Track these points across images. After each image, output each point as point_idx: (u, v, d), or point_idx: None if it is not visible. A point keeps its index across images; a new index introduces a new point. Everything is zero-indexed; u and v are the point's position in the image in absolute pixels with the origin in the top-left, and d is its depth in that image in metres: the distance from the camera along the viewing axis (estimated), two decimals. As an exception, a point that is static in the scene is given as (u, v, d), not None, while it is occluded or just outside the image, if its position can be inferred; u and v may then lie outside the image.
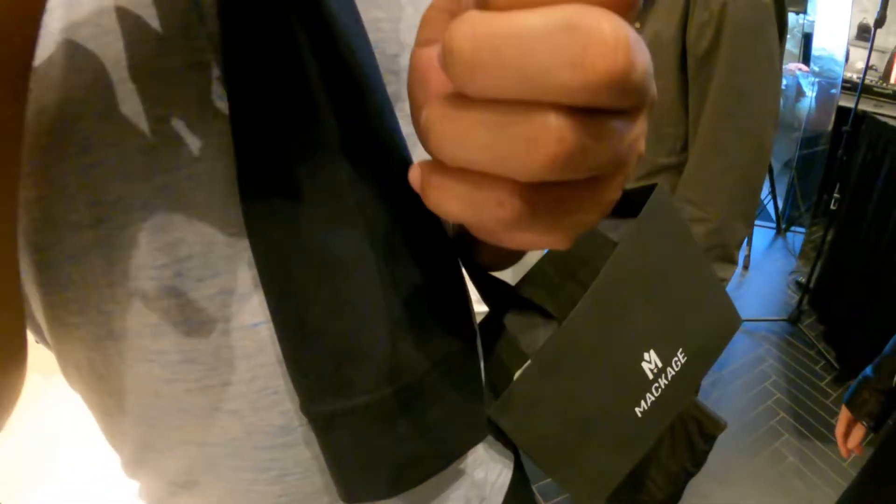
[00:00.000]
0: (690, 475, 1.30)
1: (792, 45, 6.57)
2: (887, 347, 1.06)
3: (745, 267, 3.57)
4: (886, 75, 4.46)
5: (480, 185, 0.19)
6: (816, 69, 4.48)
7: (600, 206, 0.21)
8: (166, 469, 0.43)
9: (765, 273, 3.56)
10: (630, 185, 0.43)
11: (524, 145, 0.17)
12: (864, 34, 4.62)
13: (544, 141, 0.16)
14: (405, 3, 0.43)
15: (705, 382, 2.63)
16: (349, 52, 0.35)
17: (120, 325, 0.36)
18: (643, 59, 0.17)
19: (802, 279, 3.18)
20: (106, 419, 0.43)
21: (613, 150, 0.18)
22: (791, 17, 4.23)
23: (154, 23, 0.33)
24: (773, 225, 4.08)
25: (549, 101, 0.16)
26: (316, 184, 0.35)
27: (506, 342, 0.49)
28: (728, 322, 0.54)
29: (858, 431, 1.06)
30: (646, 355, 0.44)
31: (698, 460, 1.31)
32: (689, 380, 0.48)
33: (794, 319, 3.05)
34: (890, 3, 2.74)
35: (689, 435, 1.20)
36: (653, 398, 0.45)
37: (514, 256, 0.53)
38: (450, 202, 0.20)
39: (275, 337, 0.37)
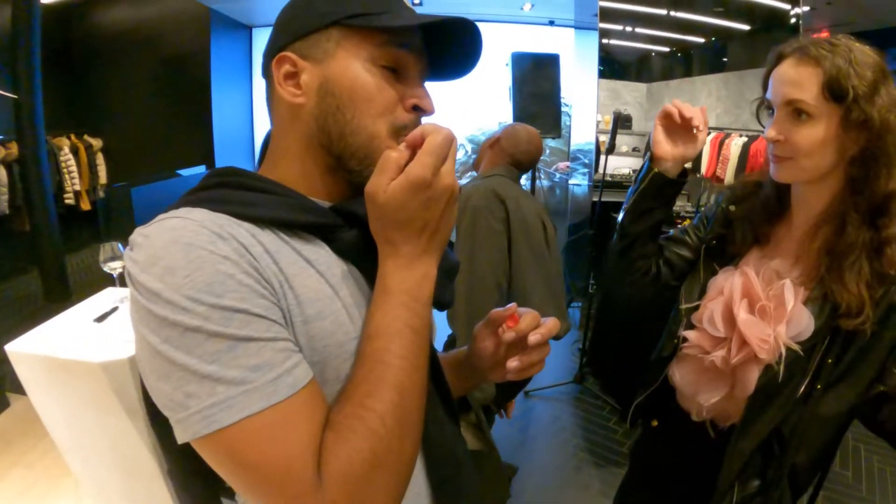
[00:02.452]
0: None
1: (561, 143, 7.88)
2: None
3: (537, 341, 4.29)
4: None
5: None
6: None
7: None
8: None
9: (553, 345, 4.29)
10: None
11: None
12: (626, 123, 5.68)
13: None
14: None
15: (516, 443, 3.24)
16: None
17: None
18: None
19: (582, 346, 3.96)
20: None
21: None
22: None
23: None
24: (557, 303, 4.90)
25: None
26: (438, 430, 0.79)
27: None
28: None
29: None
30: None
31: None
32: None
33: (578, 380, 3.79)
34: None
35: None
36: None
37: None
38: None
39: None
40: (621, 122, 5.45)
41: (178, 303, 0.55)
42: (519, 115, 4.40)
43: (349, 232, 0.72)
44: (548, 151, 8.67)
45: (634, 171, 5.50)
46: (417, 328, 0.67)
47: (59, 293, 4.49)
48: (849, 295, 1.03)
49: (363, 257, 0.73)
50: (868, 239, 1.05)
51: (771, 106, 1.12)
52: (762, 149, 3.69)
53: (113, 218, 6.72)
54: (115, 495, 2.07)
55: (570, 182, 5.97)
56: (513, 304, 0.83)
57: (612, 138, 3.69)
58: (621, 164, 5.63)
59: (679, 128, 1.21)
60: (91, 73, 6.42)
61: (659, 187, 1.25)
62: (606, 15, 4.36)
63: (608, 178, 4.83)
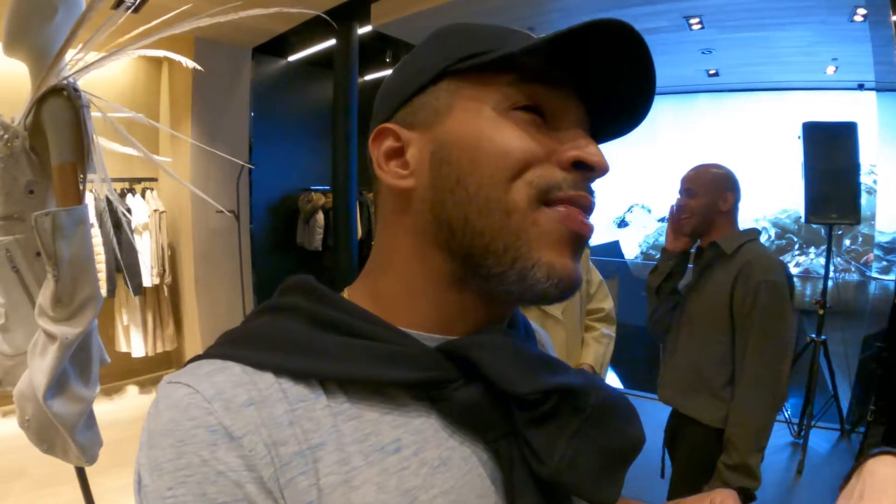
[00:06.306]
0: None
1: (868, 228, 6.62)
2: None
3: (799, 472, 3.46)
4: None
5: None
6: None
7: None
8: None
9: (822, 478, 3.43)
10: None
11: None
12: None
13: None
14: None
15: None
16: None
17: None
18: None
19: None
20: None
21: None
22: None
23: None
24: (838, 426, 3.96)
25: None
26: None
27: None
28: None
29: None
30: None
31: None
32: None
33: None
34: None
35: None
36: None
37: None
38: None
39: None
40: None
41: None
42: (811, 197, 3.67)
43: (465, 390, 0.49)
44: (860, 240, 7.33)
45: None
46: None
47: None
48: None
49: (482, 425, 0.50)
50: None
51: None
52: None
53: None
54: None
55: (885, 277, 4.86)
56: None
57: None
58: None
59: None
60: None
61: None
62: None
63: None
